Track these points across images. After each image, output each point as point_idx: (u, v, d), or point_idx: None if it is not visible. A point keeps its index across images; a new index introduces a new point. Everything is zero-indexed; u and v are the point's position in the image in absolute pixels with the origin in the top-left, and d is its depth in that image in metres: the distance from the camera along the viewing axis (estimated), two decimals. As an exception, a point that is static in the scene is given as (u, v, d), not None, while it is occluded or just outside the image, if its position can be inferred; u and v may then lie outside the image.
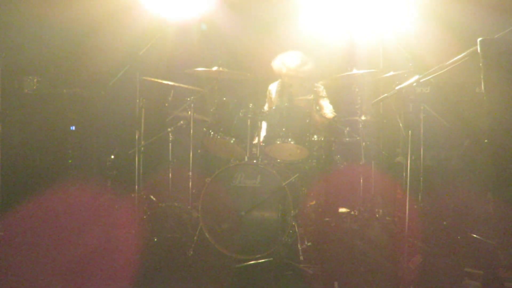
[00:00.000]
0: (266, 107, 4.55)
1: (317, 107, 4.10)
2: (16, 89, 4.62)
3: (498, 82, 2.14)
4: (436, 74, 2.64)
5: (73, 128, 4.75)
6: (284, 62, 4.28)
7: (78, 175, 4.64)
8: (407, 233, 2.89)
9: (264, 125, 3.88)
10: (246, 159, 3.57)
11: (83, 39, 4.91)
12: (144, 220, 4.03)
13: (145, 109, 4.13)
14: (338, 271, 3.13)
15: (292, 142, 3.59)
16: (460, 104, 4.15)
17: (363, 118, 4.05)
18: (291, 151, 3.74)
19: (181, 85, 4.16)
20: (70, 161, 4.67)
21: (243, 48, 5.06)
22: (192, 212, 3.96)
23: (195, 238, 3.45)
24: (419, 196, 3.91)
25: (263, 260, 3.22)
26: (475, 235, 3.48)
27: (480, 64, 2.16)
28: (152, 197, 4.44)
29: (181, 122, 4.20)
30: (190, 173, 3.99)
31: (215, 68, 4.04)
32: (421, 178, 3.91)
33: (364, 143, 4.01)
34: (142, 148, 4.14)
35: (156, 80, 4.10)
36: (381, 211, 4.07)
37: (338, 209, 4.20)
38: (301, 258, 3.24)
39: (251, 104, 3.67)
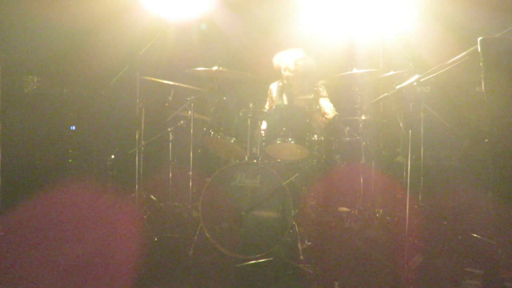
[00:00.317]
0: (266, 106, 4.56)
1: (317, 107, 4.10)
2: (17, 89, 4.62)
3: (498, 82, 2.14)
4: (436, 73, 2.64)
5: (73, 128, 4.76)
6: (284, 58, 4.31)
7: (78, 175, 4.65)
8: (407, 232, 2.89)
9: (264, 124, 3.88)
10: (246, 158, 3.57)
11: (83, 39, 4.91)
12: (144, 220, 4.03)
13: (145, 108, 4.13)
14: (338, 270, 3.12)
15: (292, 142, 3.59)
16: (460, 104, 4.14)
17: (363, 117, 4.05)
18: (291, 150, 3.74)
19: (181, 84, 4.16)
20: (70, 160, 4.67)
21: (243, 47, 5.07)
22: (192, 211, 3.96)
23: (195, 237, 3.46)
24: (419, 196, 3.90)
25: (263, 260, 3.23)
26: (475, 235, 3.47)
27: (481, 64, 2.16)
28: (152, 196, 4.44)
29: (181, 121, 4.20)
30: (190, 173, 3.99)
31: (215, 68, 4.04)
32: (421, 178, 3.91)
33: (364, 143, 4.01)
34: (142, 148, 4.14)
35: (156, 80, 4.10)
36: (381, 210, 4.07)
37: (338, 209, 4.21)
38: (301, 257, 3.24)
39: (251, 104, 3.67)
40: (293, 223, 3.31)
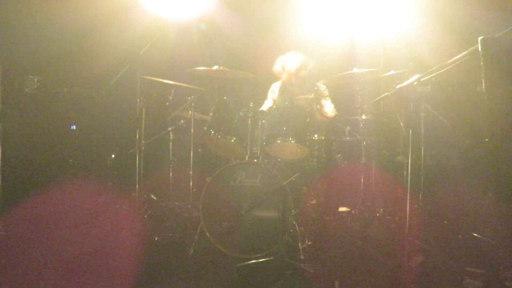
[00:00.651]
0: (264, 107, 4.54)
1: (318, 106, 4.10)
2: (17, 88, 4.62)
3: (499, 81, 2.14)
4: (436, 73, 2.64)
5: (74, 127, 4.75)
6: (284, 66, 4.31)
7: (78, 175, 4.64)
8: (408, 232, 2.89)
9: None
10: (246, 158, 3.57)
11: (83, 39, 4.91)
12: (145, 220, 4.03)
13: (146, 108, 4.12)
14: (338, 270, 3.12)
15: (292, 141, 3.59)
16: (460, 103, 4.14)
17: (363, 117, 4.05)
18: (291, 150, 3.74)
19: (182, 84, 4.17)
20: (70, 160, 4.67)
21: (244, 47, 5.07)
22: (192, 211, 3.97)
23: (195, 237, 3.46)
24: (420, 195, 3.90)
25: (263, 259, 3.23)
26: (475, 234, 3.47)
27: (481, 63, 2.15)
28: (152, 196, 4.44)
29: (182, 121, 4.21)
30: (191, 172, 3.99)
31: (215, 67, 4.05)
32: (422, 177, 3.91)
33: (364, 142, 4.01)
34: (143, 148, 4.14)
35: (156, 79, 4.10)
36: (381, 210, 4.08)
37: (338, 208, 4.21)
38: (302, 257, 3.24)
39: (251, 103, 3.67)
40: (294, 222, 3.32)
